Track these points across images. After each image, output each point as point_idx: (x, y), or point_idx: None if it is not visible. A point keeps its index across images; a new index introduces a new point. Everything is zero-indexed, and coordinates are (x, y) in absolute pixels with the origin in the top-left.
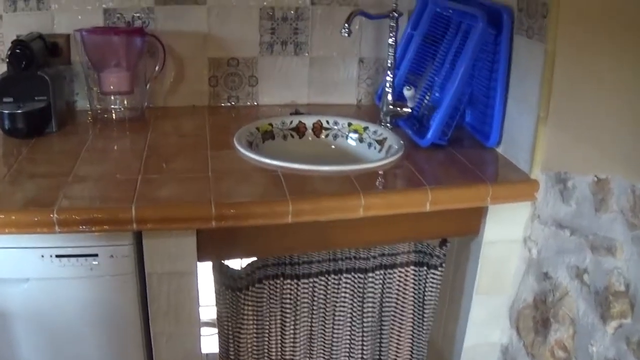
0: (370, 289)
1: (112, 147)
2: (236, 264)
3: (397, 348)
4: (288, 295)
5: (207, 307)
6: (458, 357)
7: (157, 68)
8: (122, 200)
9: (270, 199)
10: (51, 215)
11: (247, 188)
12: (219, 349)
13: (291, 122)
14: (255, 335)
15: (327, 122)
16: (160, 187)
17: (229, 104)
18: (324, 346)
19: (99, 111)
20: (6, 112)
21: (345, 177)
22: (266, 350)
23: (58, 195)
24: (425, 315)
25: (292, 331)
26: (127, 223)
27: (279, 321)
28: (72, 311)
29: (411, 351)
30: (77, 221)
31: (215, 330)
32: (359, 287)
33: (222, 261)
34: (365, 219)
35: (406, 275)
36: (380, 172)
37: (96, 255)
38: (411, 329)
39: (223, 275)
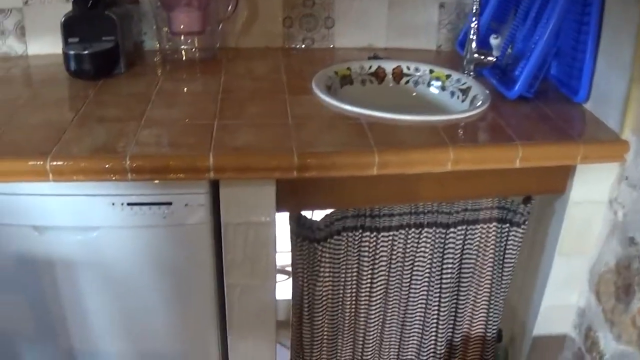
0: (450, 245)
1: (184, 89)
2: (312, 214)
3: (474, 306)
4: (366, 248)
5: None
6: (534, 318)
7: (229, 8)
8: (198, 146)
9: (356, 149)
10: (123, 163)
11: (330, 137)
12: (293, 300)
13: (370, 67)
14: (330, 287)
15: (408, 68)
16: (238, 133)
17: (303, 46)
18: (400, 301)
19: (168, 52)
20: (72, 52)
21: (432, 127)
22: (340, 304)
23: (130, 141)
24: (504, 273)
25: (368, 285)
26: (204, 171)
27: (355, 274)
28: (143, 261)
29: (487, 309)
30: (151, 169)
31: (286, 277)
32: (439, 242)
33: (300, 212)
34: (450, 172)
35: (488, 232)
36: (468, 124)
37: (170, 203)
38: (489, 287)
39: (300, 227)
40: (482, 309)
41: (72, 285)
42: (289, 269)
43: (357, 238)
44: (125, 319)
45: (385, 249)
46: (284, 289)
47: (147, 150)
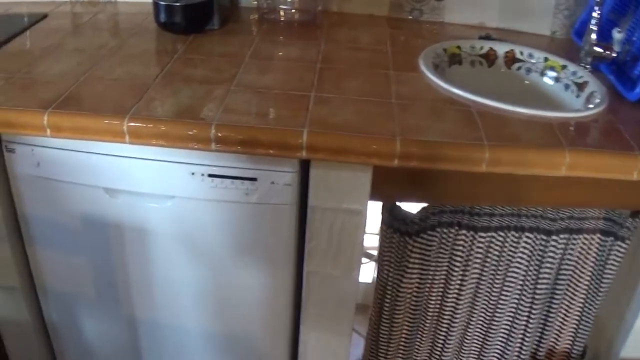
0: (550, 253)
1: (279, 54)
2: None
3: (564, 319)
4: (460, 247)
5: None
6: (624, 338)
7: None
8: (292, 120)
9: (465, 142)
10: (208, 131)
11: (437, 124)
12: (375, 292)
13: (481, 48)
14: (417, 284)
15: (521, 53)
16: (336, 110)
17: (410, 17)
18: (488, 307)
19: (265, 10)
20: (163, 3)
21: (547, 124)
22: (424, 302)
23: (217, 107)
24: (601, 288)
25: (457, 286)
26: (296, 149)
27: (444, 273)
28: (218, 236)
29: (577, 324)
30: (238, 140)
31: (368, 260)
32: (539, 249)
33: (395, 202)
34: (562, 177)
35: (590, 243)
36: (584, 124)
37: (255, 179)
38: (583, 301)
39: (393, 218)
40: (572, 323)
41: (141, 252)
42: (372, 252)
43: (451, 235)
44: (191, 293)
45: (480, 250)
46: (364, 272)
47: (235, 119)
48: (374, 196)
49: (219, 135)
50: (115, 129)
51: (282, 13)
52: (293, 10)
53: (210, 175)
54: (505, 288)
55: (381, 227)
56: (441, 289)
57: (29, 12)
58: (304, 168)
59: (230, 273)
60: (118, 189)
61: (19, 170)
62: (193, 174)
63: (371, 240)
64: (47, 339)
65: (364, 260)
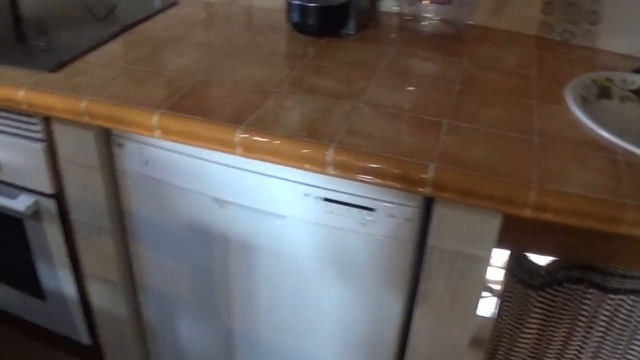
0: None
1: (416, 69)
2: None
3: None
4: (586, 307)
5: None
6: None
7: None
8: (419, 151)
9: (607, 198)
10: (325, 153)
11: (578, 172)
12: (490, 341)
13: (633, 82)
14: (535, 340)
15: None
16: (469, 142)
17: (559, 39)
18: None
19: (407, 17)
20: (297, 3)
21: None
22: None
23: (340, 126)
24: None
25: (576, 347)
26: (421, 185)
27: (564, 332)
28: (326, 261)
29: None
30: (357, 167)
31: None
32: None
33: (523, 252)
34: None
35: None
36: None
37: (373, 209)
38: None
39: (519, 268)
40: None
41: (244, 266)
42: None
43: (579, 293)
44: (292, 313)
45: (607, 311)
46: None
47: (357, 143)
48: (501, 243)
49: (338, 159)
50: (227, 139)
51: (424, 23)
52: (436, 21)
53: (325, 199)
54: (629, 356)
55: (505, 274)
56: (559, 348)
57: None
58: (428, 204)
59: (335, 300)
60: (227, 201)
61: (127, 167)
62: (307, 195)
63: (494, 273)
64: (142, 336)
65: (483, 293)
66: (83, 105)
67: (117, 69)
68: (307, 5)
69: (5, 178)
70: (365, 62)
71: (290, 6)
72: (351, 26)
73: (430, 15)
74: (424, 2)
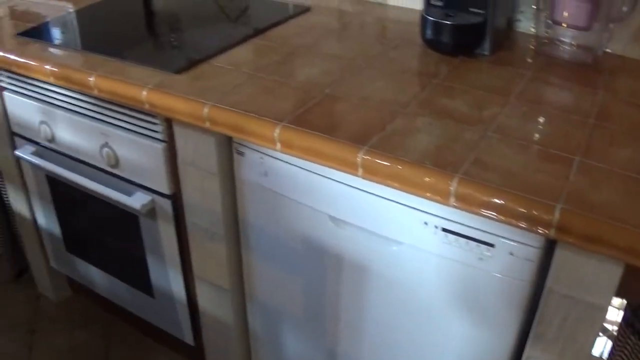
0: None
1: (550, 98)
2: None
3: None
4: None
5: None
6: None
7: (624, 7)
8: (547, 190)
9: None
10: (449, 184)
11: None
12: None
13: None
14: None
15: None
16: (600, 184)
17: None
18: None
19: (543, 40)
20: (431, 19)
21: None
22: None
23: (467, 154)
24: None
25: None
26: (545, 225)
27: None
28: (440, 291)
29: None
30: (481, 202)
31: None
32: None
33: None
34: None
35: None
36: None
37: (492, 245)
38: None
39: (636, 319)
40: None
41: (356, 288)
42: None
43: None
44: (400, 340)
45: None
46: None
47: (483, 175)
48: (621, 293)
49: (461, 191)
50: (349, 160)
51: (561, 48)
52: (573, 47)
53: (444, 230)
54: None
55: (620, 323)
56: None
57: (295, 2)
58: (551, 245)
59: (444, 331)
60: (344, 220)
61: (246, 175)
62: (426, 224)
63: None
64: (246, 344)
65: None
66: (206, 111)
67: (243, 75)
68: (442, 22)
69: (123, 174)
70: (498, 87)
71: (424, 22)
72: (486, 46)
73: (567, 40)
74: (561, 25)
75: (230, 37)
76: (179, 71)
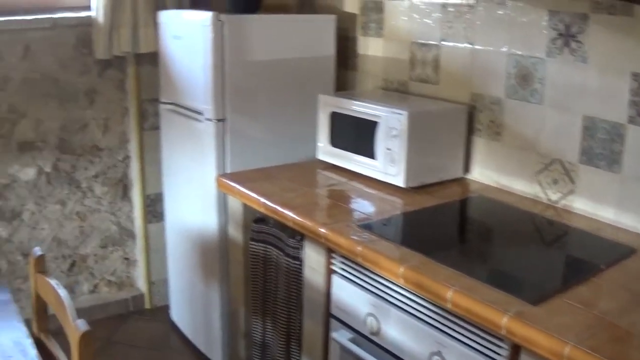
0: None
1: None
2: None
3: None
4: None
5: None
6: None
7: None
8: None
9: None
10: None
11: None
12: None
13: None
14: None
15: None
16: None
17: None
18: None
19: None
20: None
21: None
22: None
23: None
24: None
25: None
26: None
27: None
28: None
29: None
30: None
31: None
32: None
33: None
34: None
35: None
36: None
37: None
38: None
39: None
40: None
41: None
42: None
43: None
44: None
45: None
46: None
47: None
48: None
49: None
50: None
51: None
52: None
53: None
54: None
55: None
56: None
57: (618, 240)
58: None
59: None
60: None
61: None
62: None
63: None
64: None
65: None
66: (566, 350)
67: (590, 316)
68: None
69: None
70: None
71: None
72: None
73: None
74: None
75: (557, 267)
76: (535, 302)
